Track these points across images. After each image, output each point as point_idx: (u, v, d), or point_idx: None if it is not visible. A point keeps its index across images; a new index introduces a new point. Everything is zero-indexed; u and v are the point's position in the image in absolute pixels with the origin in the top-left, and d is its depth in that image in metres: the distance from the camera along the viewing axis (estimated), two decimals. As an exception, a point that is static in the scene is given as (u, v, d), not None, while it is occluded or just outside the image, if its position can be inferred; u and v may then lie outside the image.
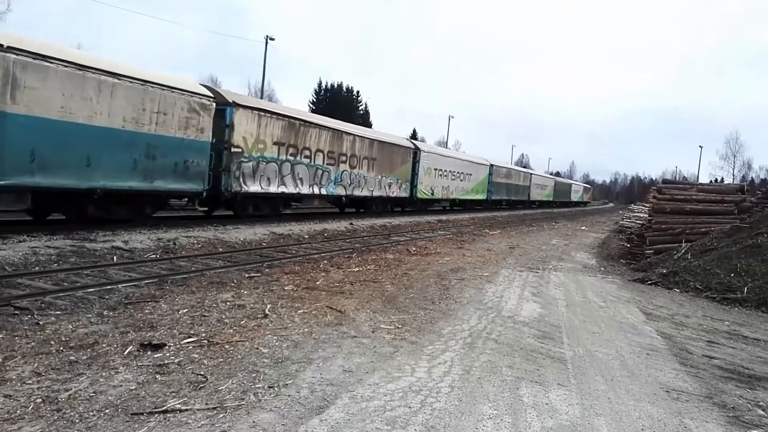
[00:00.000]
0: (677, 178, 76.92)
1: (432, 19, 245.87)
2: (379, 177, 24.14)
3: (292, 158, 18.20)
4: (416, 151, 27.60)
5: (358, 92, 71.31)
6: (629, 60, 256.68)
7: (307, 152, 19.07)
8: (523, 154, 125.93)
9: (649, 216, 16.23)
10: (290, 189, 18.28)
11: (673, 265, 11.78)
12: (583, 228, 28.71)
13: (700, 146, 79.42)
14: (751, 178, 78.56)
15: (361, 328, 5.93)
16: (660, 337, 6.88)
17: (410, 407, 3.88)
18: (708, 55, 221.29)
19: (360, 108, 70.85)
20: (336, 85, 69.36)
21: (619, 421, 4.05)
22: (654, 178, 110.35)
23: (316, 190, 19.83)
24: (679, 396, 4.74)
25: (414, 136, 72.68)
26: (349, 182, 21.79)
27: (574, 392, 4.55)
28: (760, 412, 4.53)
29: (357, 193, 22.59)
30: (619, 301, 9.15)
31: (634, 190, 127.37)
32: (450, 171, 31.87)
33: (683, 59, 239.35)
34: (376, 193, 24.09)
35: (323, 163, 19.95)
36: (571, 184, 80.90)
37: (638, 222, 22.63)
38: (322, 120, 20.87)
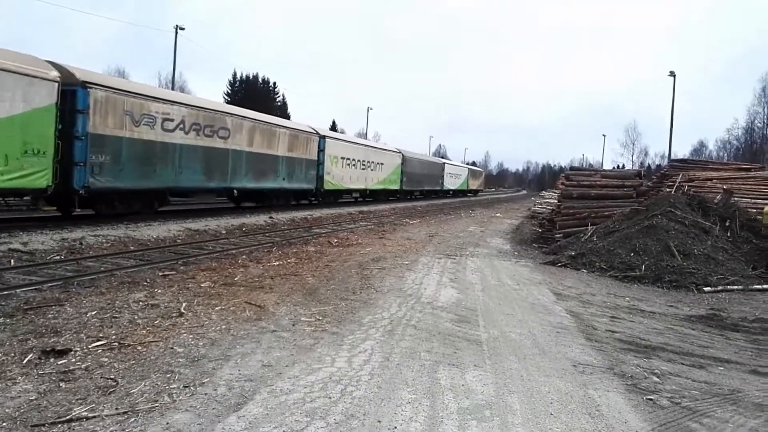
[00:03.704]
0: (584, 165, 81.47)
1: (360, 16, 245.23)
2: None
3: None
4: None
5: (274, 83, 70.05)
6: (539, 55, 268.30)
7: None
8: (440, 145, 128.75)
9: (559, 202, 17.10)
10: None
11: (580, 247, 12.48)
12: (498, 215, 29.81)
13: (603, 135, 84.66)
14: (648, 164, 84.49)
15: (281, 322, 5.87)
16: (569, 316, 7.28)
17: (330, 397, 3.90)
18: (615, 51, 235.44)
19: (277, 99, 69.62)
20: (251, 77, 67.74)
21: (531, 397, 4.26)
22: (563, 166, 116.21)
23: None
24: (585, 369, 5.05)
25: (333, 128, 72.39)
26: None
27: (489, 372, 4.74)
28: (655, 378, 4.92)
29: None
30: (531, 283, 9.59)
31: (545, 177, 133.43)
32: None
33: (590, 53, 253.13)
34: None
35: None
36: (444, 164, 54.09)
37: (549, 208, 23.77)
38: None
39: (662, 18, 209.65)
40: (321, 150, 26.04)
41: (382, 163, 34.80)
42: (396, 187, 37.92)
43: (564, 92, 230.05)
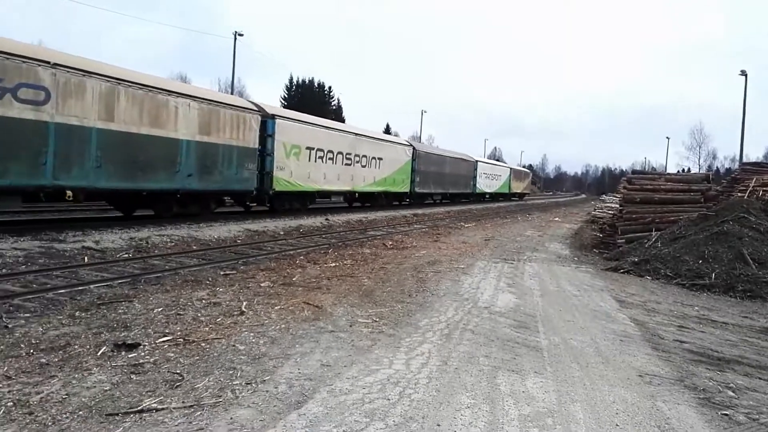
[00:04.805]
0: (646, 169, 78.46)
1: (409, 20, 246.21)
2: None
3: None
4: None
5: (330, 87, 71.10)
6: (603, 54, 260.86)
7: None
8: (495, 148, 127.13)
9: (620, 206, 16.53)
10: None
11: (644, 253, 12.01)
12: (557, 219, 29.12)
13: (667, 137, 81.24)
14: (716, 167, 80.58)
15: (339, 323, 5.92)
16: (633, 324, 7.01)
17: (389, 399, 3.89)
18: (677, 51, 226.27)
19: (333, 103, 70.62)
20: (307, 81, 68.99)
21: (594, 406, 4.12)
22: (624, 169, 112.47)
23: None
24: (652, 380, 4.84)
25: (387, 131, 72.75)
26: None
27: (550, 380, 4.62)
28: (730, 393, 4.66)
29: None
30: (592, 289, 9.30)
31: (605, 181, 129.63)
32: None
33: (653, 54, 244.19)
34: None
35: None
36: (477, 162, 44.73)
37: (610, 212, 23.02)
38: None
39: (732, 11, 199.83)
40: (268, 135, 18.64)
41: (380, 158, 27.10)
42: (404, 189, 30.35)
43: (625, 93, 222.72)
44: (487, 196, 48.49)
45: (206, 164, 15.73)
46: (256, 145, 17.93)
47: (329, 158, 22.56)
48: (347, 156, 24.06)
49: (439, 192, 36.55)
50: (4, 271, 8.30)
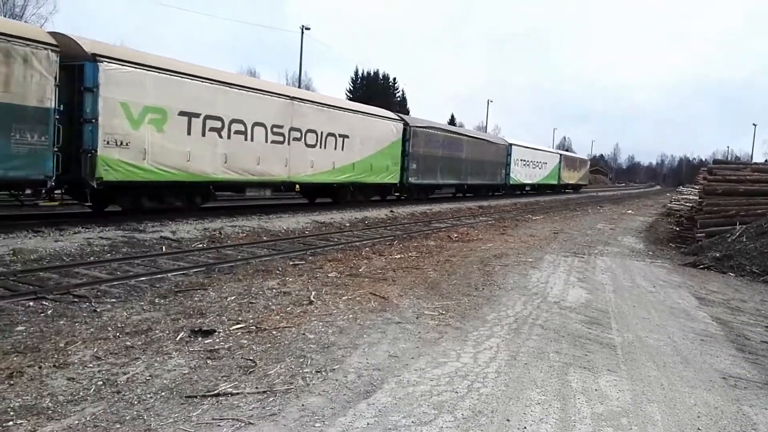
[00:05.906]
0: (729, 159, 73.79)
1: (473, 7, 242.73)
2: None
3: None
4: None
5: (394, 79, 71.17)
6: (678, 38, 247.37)
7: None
8: (565, 137, 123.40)
9: (700, 198, 15.65)
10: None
11: (726, 248, 11.34)
12: (630, 212, 27.95)
13: (754, 124, 76.08)
14: (811, 156, 74.58)
15: (405, 314, 5.94)
16: (715, 323, 6.65)
17: (457, 392, 3.87)
18: (758, 33, 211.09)
19: (397, 95, 70.69)
20: (372, 73, 69.37)
21: (673, 408, 3.94)
22: (704, 159, 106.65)
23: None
24: (737, 383, 4.57)
25: (452, 121, 72.12)
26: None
27: (624, 378, 4.46)
28: (825, 399, 4.33)
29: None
30: (669, 285, 8.88)
31: (683, 171, 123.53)
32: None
33: (733, 36, 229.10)
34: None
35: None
36: (510, 145, 35.10)
37: (687, 204, 21.86)
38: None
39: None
40: (87, 89, 11.15)
41: (344, 135, 19.10)
42: (390, 179, 22.18)
43: (706, 78, 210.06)
44: (527, 188, 39.31)
45: None
46: (52, 104, 10.44)
47: (237, 131, 14.67)
48: (276, 130, 16.00)
49: (450, 183, 28.06)
50: (92, 258, 8.87)
